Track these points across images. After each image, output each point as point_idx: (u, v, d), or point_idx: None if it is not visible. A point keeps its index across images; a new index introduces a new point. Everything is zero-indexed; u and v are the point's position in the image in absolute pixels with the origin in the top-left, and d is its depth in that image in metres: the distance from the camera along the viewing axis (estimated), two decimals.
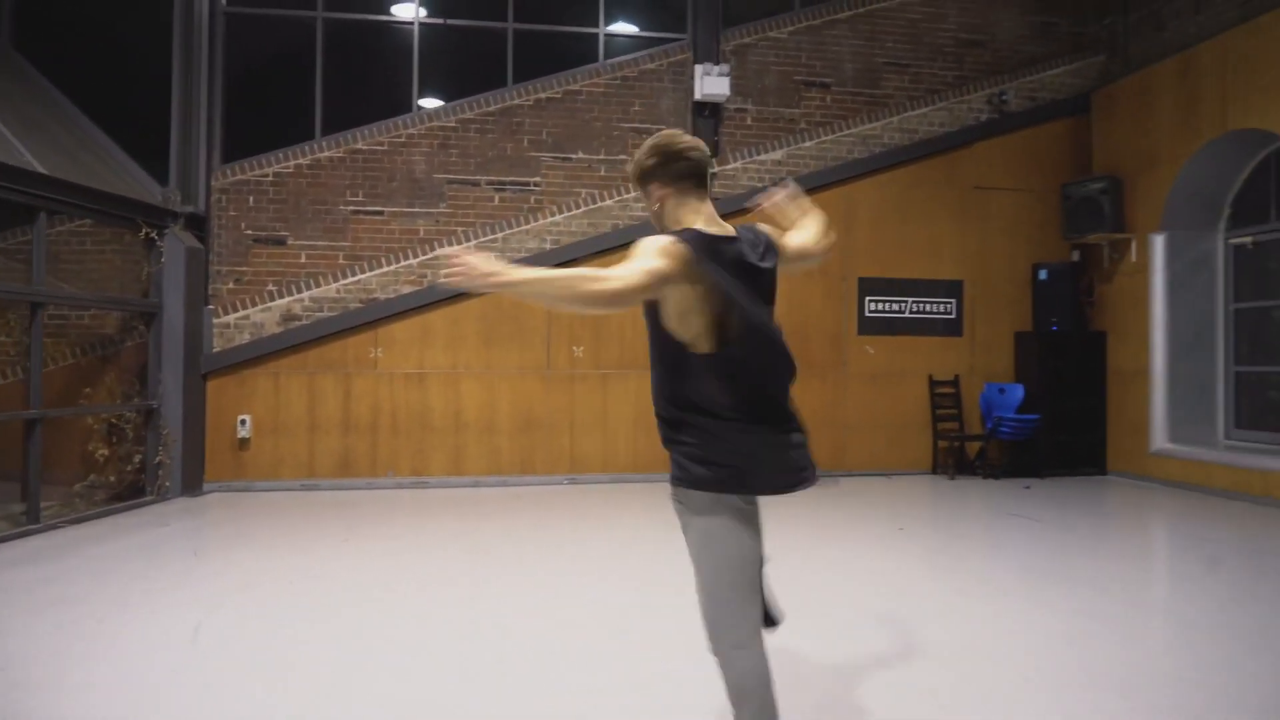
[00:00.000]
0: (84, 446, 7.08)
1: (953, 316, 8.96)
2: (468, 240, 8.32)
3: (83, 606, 4.23)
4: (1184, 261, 8.15)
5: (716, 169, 7.71)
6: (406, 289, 8.14)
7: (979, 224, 9.07)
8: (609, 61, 8.72)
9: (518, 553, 5.53)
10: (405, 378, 8.09)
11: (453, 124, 8.41)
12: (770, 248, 2.28)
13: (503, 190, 8.44)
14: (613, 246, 8.40)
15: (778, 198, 2.64)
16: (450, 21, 8.54)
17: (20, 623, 3.99)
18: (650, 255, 2.02)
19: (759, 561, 2.14)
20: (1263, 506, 6.87)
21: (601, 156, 8.62)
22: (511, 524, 6.44)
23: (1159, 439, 8.09)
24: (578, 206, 8.51)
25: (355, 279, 8.10)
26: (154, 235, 7.29)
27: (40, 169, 6.19)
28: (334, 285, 8.06)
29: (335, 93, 8.35)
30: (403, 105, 8.41)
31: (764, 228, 2.37)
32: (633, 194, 8.53)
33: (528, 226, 8.41)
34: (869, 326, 8.81)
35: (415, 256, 8.21)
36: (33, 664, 3.44)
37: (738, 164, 8.77)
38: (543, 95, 8.56)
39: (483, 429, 8.19)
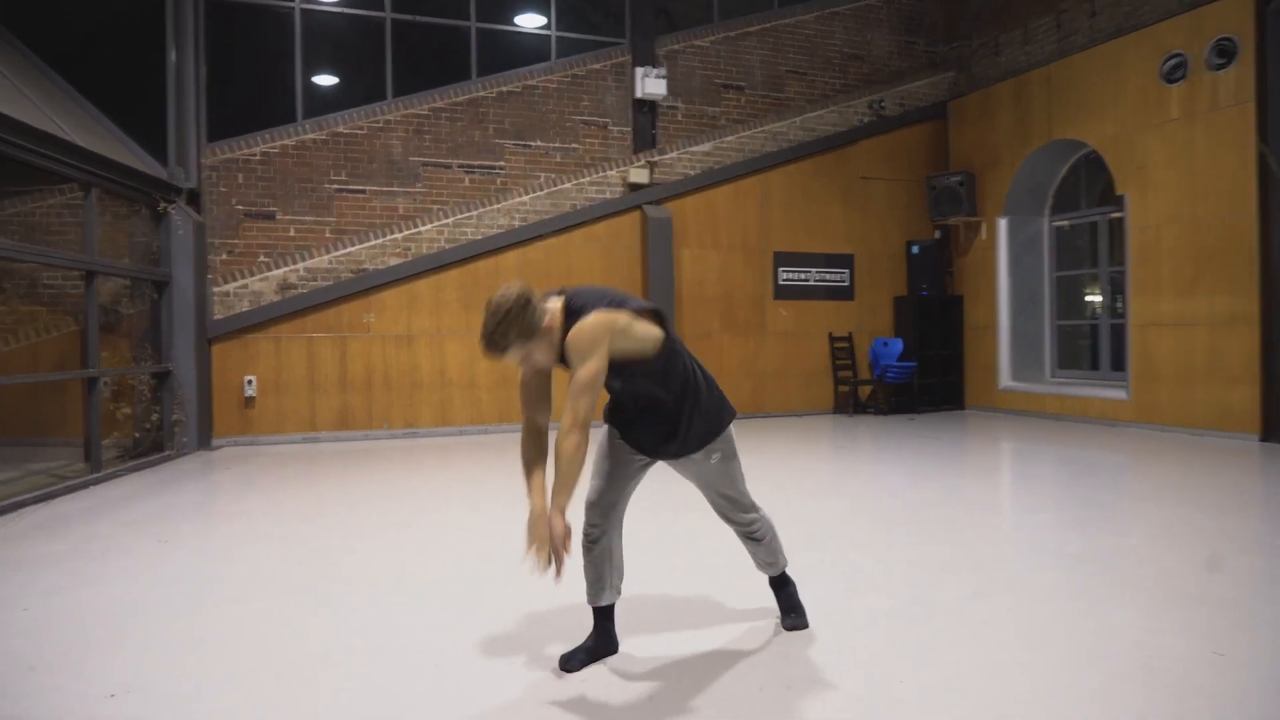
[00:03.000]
0: (104, 408, 7.55)
1: (846, 284, 10.90)
2: (444, 218, 9.28)
3: (265, 521, 5.14)
4: (1020, 239, 10.45)
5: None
6: (394, 260, 9.03)
7: (864, 208, 11.03)
8: (560, 60, 9.89)
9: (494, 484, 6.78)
10: (395, 340, 9.00)
11: (425, 112, 9.32)
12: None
13: (472, 173, 9.46)
14: (573, 224, 9.67)
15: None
16: (419, 18, 9.40)
17: (205, 536, 4.88)
18: (600, 354, 2.45)
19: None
20: (1079, 423, 9.21)
21: (557, 145, 9.80)
22: (487, 463, 7.62)
23: (1004, 378, 10.39)
24: (540, 189, 9.66)
25: (346, 251, 8.89)
26: (169, 209, 7.81)
27: (85, 145, 6.68)
28: (326, 257, 8.82)
29: (314, 79, 9.05)
30: (378, 93, 9.23)
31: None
32: (587, 178, 9.84)
33: (497, 206, 9.48)
34: (782, 293, 10.57)
35: (399, 231, 9.10)
36: (229, 542, 4.43)
37: (673, 154, 10.22)
38: (504, 88, 9.62)
39: (465, 385, 9.24)
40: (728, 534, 4.26)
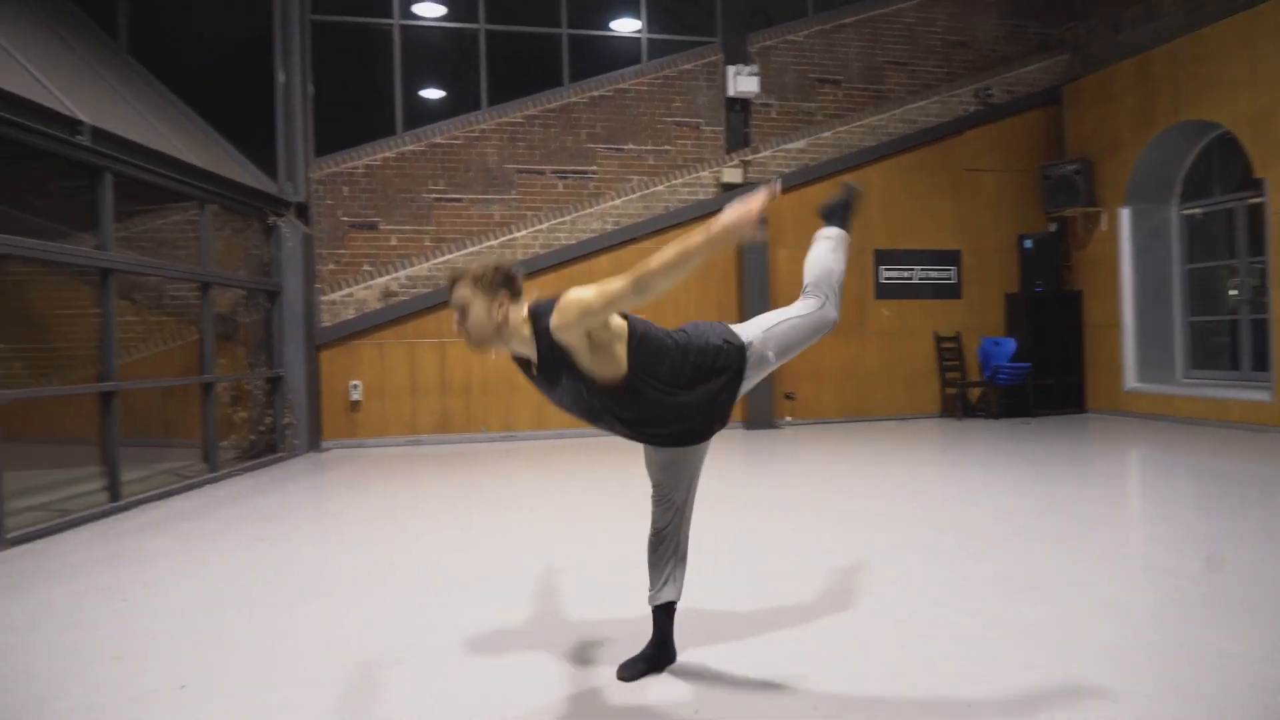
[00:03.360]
0: (219, 412, 7.99)
1: (953, 281, 10.42)
2: (538, 223, 9.40)
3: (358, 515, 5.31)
4: (1145, 230, 9.72)
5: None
6: None
7: (971, 201, 10.51)
8: (652, 62, 9.87)
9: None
10: None
11: (519, 119, 9.47)
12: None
13: (565, 178, 9.55)
14: (666, 226, 9.61)
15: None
16: (513, 28, 9.56)
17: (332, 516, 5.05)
18: (595, 286, 2.25)
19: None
20: (1215, 428, 8.47)
21: (649, 147, 9.78)
22: (582, 468, 7.62)
23: (1130, 380, 9.68)
24: (632, 192, 9.65)
25: (444, 259, 9.12)
26: (279, 222, 8.22)
27: (201, 164, 7.09)
28: (425, 264, 9.08)
29: (412, 92, 9.35)
30: (473, 103, 9.43)
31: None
32: (680, 180, 9.77)
33: (590, 210, 9.54)
34: (884, 291, 10.20)
35: (495, 238, 9.27)
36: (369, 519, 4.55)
37: (767, 152, 10.02)
38: (595, 93, 9.67)
39: None
40: (796, 542, 4.12)
